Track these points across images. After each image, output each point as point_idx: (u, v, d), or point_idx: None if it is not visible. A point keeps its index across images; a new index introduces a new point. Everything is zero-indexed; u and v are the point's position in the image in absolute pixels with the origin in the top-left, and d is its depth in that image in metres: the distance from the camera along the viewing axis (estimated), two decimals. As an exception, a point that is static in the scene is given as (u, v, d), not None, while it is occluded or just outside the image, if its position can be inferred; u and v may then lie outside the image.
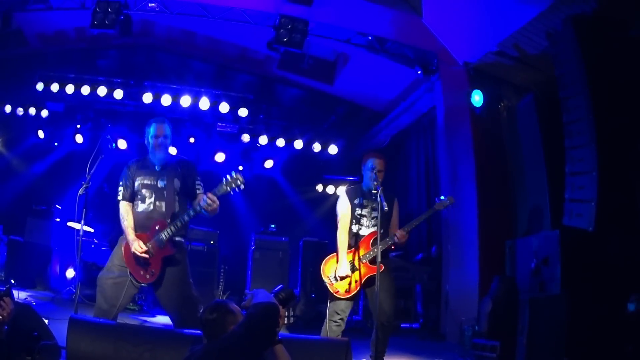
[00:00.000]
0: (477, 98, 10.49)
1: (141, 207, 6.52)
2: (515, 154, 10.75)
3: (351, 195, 7.36)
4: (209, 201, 6.15)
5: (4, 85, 14.21)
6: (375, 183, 7.00)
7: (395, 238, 7.02)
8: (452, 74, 11.19)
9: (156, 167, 6.61)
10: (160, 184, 6.53)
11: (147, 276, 6.30)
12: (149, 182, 6.55)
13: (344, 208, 7.33)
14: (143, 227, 6.44)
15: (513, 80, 10.87)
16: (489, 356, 8.09)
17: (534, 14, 8.61)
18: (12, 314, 4.28)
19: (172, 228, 6.30)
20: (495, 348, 8.05)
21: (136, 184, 6.57)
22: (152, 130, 6.62)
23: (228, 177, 6.14)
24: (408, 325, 12.10)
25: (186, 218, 6.34)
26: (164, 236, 6.28)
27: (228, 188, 6.14)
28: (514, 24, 9.20)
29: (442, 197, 7.45)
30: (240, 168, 16.34)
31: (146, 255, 6.24)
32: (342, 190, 7.73)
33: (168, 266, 6.37)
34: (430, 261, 12.46)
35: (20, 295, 10.17)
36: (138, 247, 6.25)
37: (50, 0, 11.29)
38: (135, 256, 6.28)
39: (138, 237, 6.35)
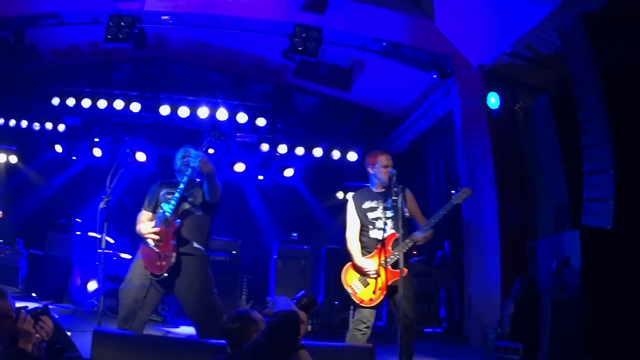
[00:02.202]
0: (493, 100, 10.50)
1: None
2: (533, 155, 10.72)
3: (358, 200, 7.10)
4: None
5: (20, 101, 14.38)
6: (387, 177, 6.93)
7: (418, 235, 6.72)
8: (468, 76, 11.17)
9: (182, 185, 6.75)
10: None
11: (163, 263, 6.39)
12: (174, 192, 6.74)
13: (350, 214, 7.07)
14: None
15: (528, 80, 10.85)
16: (512, 358, 8.04)
17: (545, 13, 8.60)
18: (52, 333, 4.29)
19: (172, 202, 6.50)
20: (518, 350, 8.00)
21: (161, 193, 6.78)
22: (180, 154, 6.89)
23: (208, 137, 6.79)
24: (432, 329, 12.09)
25: (181, 186, 6.54)
26: (166, 212, 6.48)
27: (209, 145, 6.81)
28: (526, 24, 9.18)
29: (459, 189, 7.06)
30: (261, 177, 16.45)
31: (156, 236, 6.44)
32: (350, 196, 7.41)
33: (185, 264, 6.50)
34: (447, 261, 12.43)
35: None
36: (147, 227, 6.54)
37: (62, 15, 11.40)
38: (150, 251, 6.47)
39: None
